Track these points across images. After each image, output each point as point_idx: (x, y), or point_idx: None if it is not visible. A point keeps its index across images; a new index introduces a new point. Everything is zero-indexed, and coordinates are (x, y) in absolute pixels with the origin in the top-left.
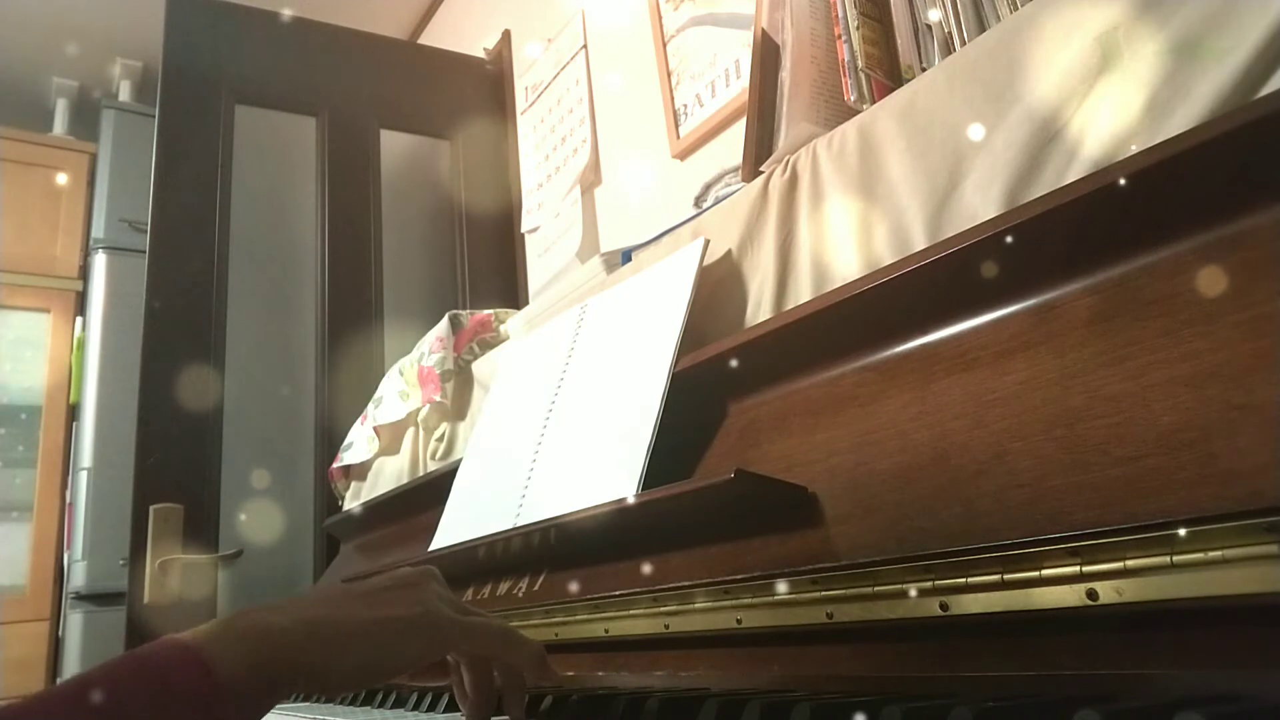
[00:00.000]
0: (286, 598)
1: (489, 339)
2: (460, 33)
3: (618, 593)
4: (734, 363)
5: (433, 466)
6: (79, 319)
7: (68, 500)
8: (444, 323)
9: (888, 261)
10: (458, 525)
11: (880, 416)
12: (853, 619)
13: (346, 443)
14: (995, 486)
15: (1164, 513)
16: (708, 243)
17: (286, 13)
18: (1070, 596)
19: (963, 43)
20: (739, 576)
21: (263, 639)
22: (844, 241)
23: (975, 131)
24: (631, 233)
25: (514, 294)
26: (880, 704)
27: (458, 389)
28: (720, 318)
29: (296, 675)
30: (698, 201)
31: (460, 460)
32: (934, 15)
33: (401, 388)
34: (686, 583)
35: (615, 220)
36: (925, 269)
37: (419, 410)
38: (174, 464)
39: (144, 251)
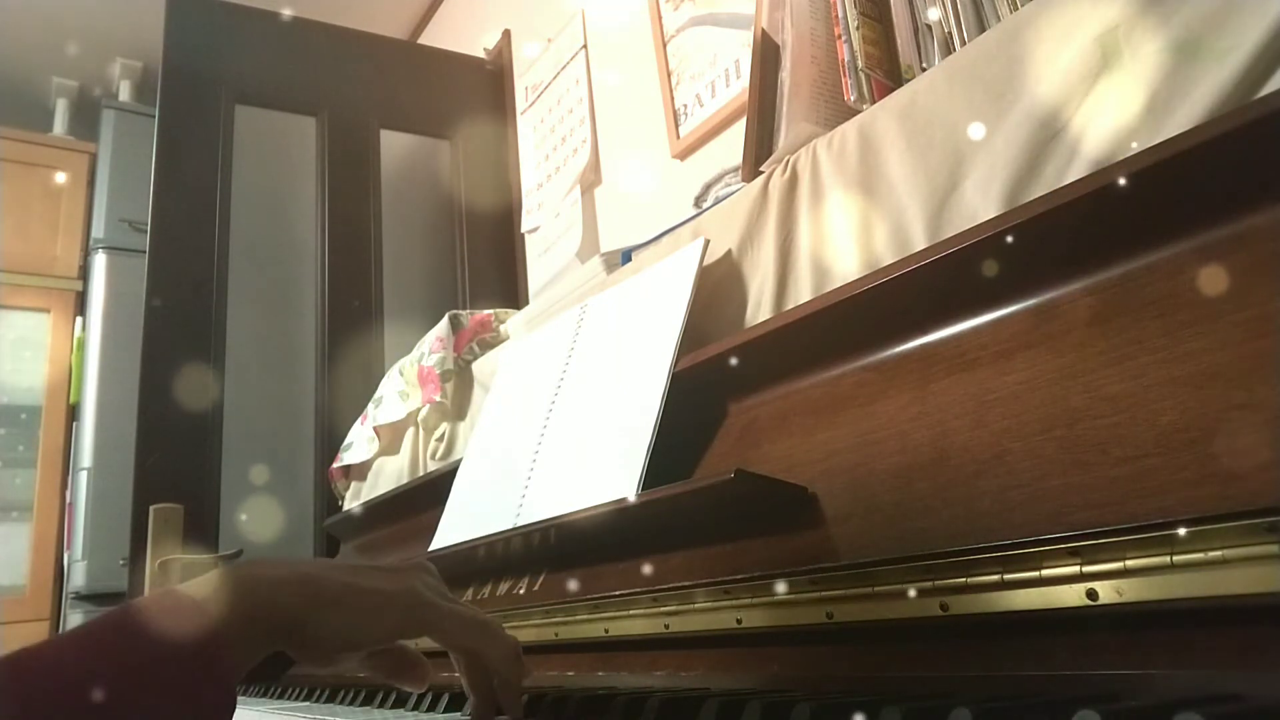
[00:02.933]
0: (283, 559)
1: (489, 339)
2: (460, 33)
3: (618, 593)
4: (734, 363)
5: (433, 466)
6: (79, 319)
7: (68, 500)
8: (444, 323)
9: (888, 261)
10: (458, 525)
11: (880, 416)
12: (853, 619)
13: (346, 443)
14: (995, 486)
15: (1164, 513)
16: (708, 243)
17: (286, 13)
18: (1070, 596)
19: (963, 43)
20: (739, 576)
21: (256, 591)
22: (844, 241)
23: (975, 131)
24: (631, 233)
25: (514, 294)
26: (880, 704)
27: (458, 389)
28: (720, 318)
29: (284, 629)
30: (698, 201)
31: (460, 460)
32: (934, 15)
33: (401, 388)
34: (686, 583)
35: (615, 220)
36: (925, 269)
37: (419, 410)
38: (174, 464)
39: (144, 251)
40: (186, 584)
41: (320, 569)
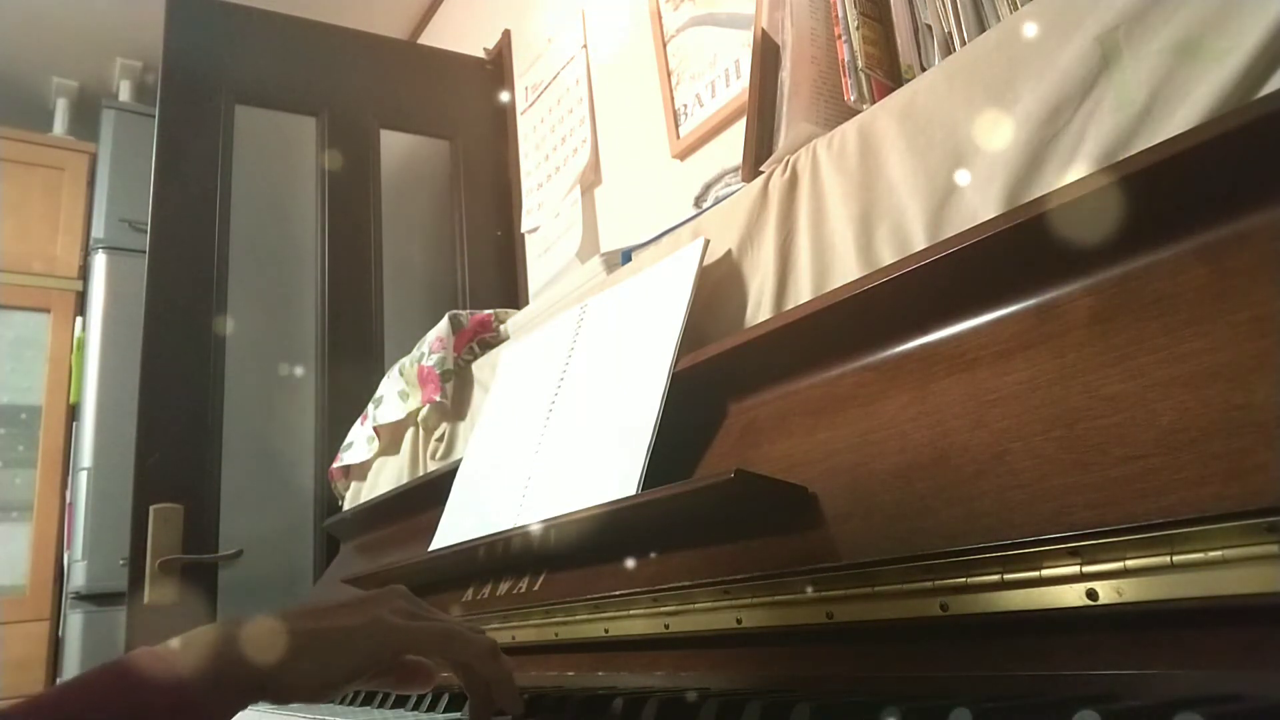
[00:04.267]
0: (245, 615)
1: (489, 339)
2: (460, 33)
3: (618, 593)
4: (734, 363)
5: (433, 466)
6: (79, 319)
7: (68, 500)
8: (444, 323)
9: (888, 261)
10: (458, 525)
11: (880, 416)
12: (853, 619)
13: (346, 443)
14: (995, 486)
15: (1164, 513)
16: (708, 243)
17: (286, 13)
18: (1070, 596)
19: (963, 43)
20: (739, 576)
21: (226, 651)
22: (844, 241)
23: (975, 131)
24: (631, 233)
25: (514, 294)
26: (880, 704)
27: (458, 389)
28: (720, 318)
29: (256, 683)
30: (698, 201)
31: (460, 460)
32: (933, 15)
33: (401, 388)
34: (686, 583)
35: (615, 220)
36: (925, 269)
37: (419, 410)
38: (174, 464)
39: (144, 251)
40: (162, 645)
41: (288, 619)
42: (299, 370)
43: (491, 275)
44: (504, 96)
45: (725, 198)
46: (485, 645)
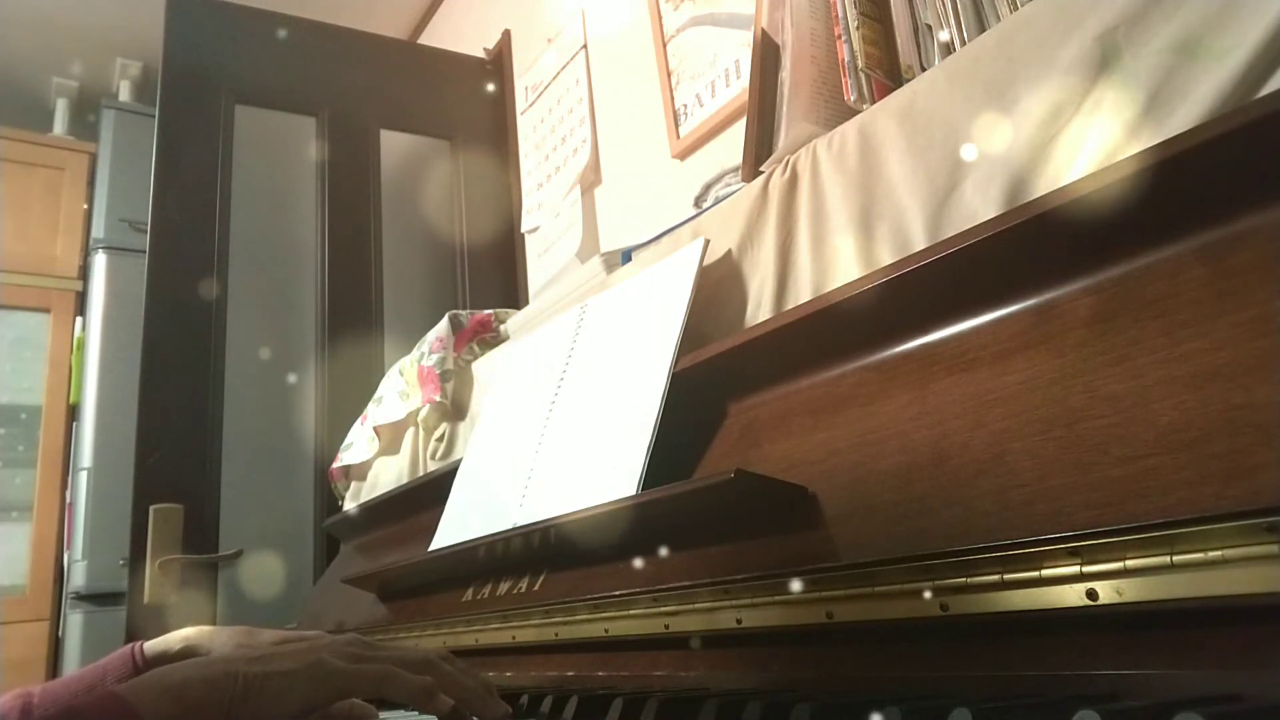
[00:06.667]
0: (199, 658)
1: (489, 339)
2: (460, 33)
3: (618, 593)
4: (734, 363)
5: (433, 466)
6: (79, 319)
7: (68, 500)
8: (444, 323)
9: (888, 261)
10: (458, 525)
11: (880, 416)
12: (853, 619)
13: (346, 443)
14: (995, 486)
15: (1164, 513)
16: (708, 243)
17: (286, 13)
18: (1070, 596)
19: (963, 43)
20: (739, 576)
21: (180, 694)
22: (844, 241)
23: (975, 131)
24: (631, 233)
25: (514, 294)
26: (880, 704)
27: (458, 389)
28: (720, 318)
29: None
30: (698, 201)
31: (460, 460)
32: (933, 15)
33: (401, 388)
34: (686, 583)
35: (615, 220)
36: (925, 269)
37: (419, 410)
38: (174, 464)
39: (144, 251)
40: (119, 686)
41: (239, 664)
42: (299, 370)
43: (491, 275)
44: (502, 93)
45: (725, 198)
46: (418, 686)
